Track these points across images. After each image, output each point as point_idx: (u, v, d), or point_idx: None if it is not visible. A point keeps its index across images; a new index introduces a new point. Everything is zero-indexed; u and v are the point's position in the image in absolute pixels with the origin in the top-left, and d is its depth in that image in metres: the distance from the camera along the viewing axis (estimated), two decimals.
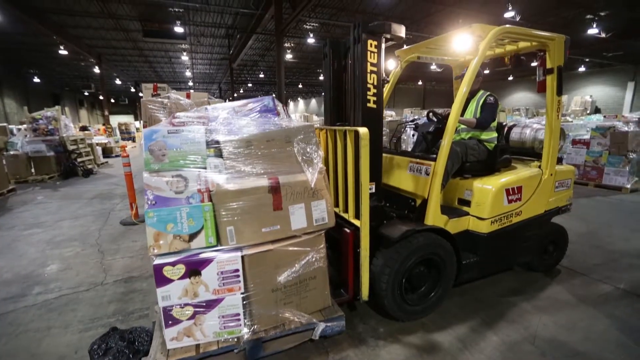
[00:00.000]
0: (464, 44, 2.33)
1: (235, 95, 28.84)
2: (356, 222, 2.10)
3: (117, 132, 20.84)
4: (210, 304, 1.76)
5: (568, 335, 2.15)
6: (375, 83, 2.09)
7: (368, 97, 2.08)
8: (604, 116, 11.36)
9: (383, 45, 2.11)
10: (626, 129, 6.58)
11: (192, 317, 1.74)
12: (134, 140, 20.45)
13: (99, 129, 16.84)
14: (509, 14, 11.05)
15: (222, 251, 1.76)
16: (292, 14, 10.67)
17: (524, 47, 2.76)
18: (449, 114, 2.33)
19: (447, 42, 2.67)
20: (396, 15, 13.11)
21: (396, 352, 2.00)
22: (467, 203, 2.54)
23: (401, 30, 2.09)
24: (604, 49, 16.59)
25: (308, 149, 1.96)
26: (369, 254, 2.08)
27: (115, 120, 25.03)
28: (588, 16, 12.29)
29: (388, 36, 2.09)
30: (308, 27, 14.27)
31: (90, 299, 2.64)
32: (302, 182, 1.90)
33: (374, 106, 2.12)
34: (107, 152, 12.77)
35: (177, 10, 12.05)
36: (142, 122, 4.14)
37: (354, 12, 12.67)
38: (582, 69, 20.60)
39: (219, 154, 1.84)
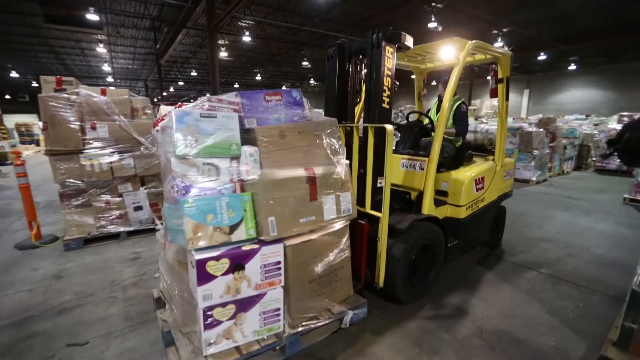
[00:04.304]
0: (449, 52, 2.68)
1: (164, 94, 26.57)
2: (376, 214, 2.24)
3: (15, 134, 17.61)
4: (252, 301, 1.69)
5: (509, 324, 2.29)
6: (389, 86, 2.27)
7: (383, 98, 2.25)
8: (513, 118, 13.05)
9: (395, 52, 2.29)
10: (531, 129, 7.58)
11: (233, 316, 1.65)
12: (37, 144, 17.46)
13: None
14: (432, 25, 12.08)
15: (264, 243, 1.69)
16: (225, 9, 10.11)
17: (480, 59, 3.11)
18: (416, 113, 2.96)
19: (428, 51, 2.94)
20: (332, 19, 13.35)
21: None
22: (444, 193, 2.82)
23: (410, 41, 2.34)
24: None
25: (334, 143, 2.05)
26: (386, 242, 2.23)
27: (12, 120, 21.09)
28: (494, 31, 14.04)
29: (399, 44, 2.29)
30: (243, 24, 13.73)
31: None
32: (334, 174, 1.97)
33: (387, 107, 2.29)
34: (2, 158, 10.62)
35: None
36: (42, 122, 3.44)
37: (291, 12, 12.55)
38: (488, 77, 23.57)
39: (252, 142, 1.79)
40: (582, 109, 19.03)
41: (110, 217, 3.83)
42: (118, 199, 3.85)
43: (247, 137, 1.81)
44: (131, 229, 3.94)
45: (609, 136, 9.66)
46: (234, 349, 1.66)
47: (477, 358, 1.96)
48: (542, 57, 17.03)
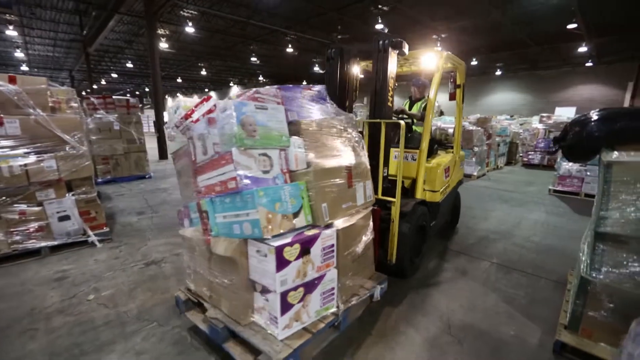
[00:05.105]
0: (431, 60, 3.00)
1: (94, 86, 23.79)
2: (389, 199, 2.55)
3: None
4: (315, 282, 1.79)
5: (472, 316, 2.36)
6: (392, 86, 2.56)
7: (388, 97, 2.55)
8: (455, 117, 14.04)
9: (396, 58, 2.60)
10: (471, 128, 8.19)
11: (302, 299, 1.74)
12: None
13: None
14: (379, 26, 12.50)
15: (321, 227, 1.80)
16: None
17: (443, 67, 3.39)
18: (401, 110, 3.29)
19: (407, 58, 3.11)
20: (280, 14, 13.06)
21: None
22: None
23: (407, 48, 2.63)
24: None
25: (356, 136, 2.23)
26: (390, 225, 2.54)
27: None
28: (434, 36, 14.98)
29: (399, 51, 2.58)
30: (186, 14, 12.78)
31: None
32: (362, 164, 2.18)
33: (391, 105, 2.61)
34: None
35: None
36: None
37: (238, 4, 12.00)
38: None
39: (295, 133, 1.88)
40: (507, 110, 21.31)
41: (27, 231, 3.21)
42: (37, 209, 3.24)
43: (291, 129, 1.88)
44: (55, 243, 3.35)
45: (533, 134, 10.90)
46: (303, 330, 1.77)
47: (448, 355, 1.97)
48: (474, 62, 18.63)
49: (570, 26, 12.35)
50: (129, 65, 21.53)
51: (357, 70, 2.99)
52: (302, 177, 1.80)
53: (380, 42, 2.50)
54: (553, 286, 2.80)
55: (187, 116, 1.91)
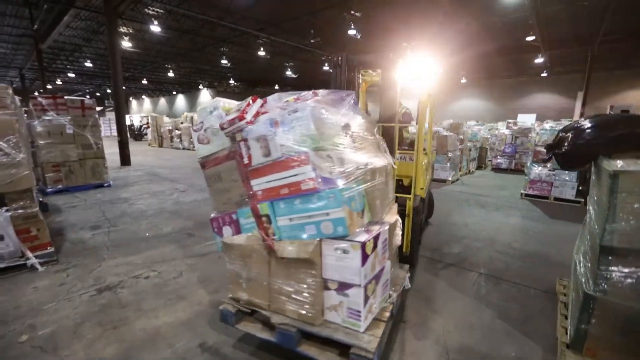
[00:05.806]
0: (427, 70, 3.09)
1: (48, 86, 22.00)
2: (406, 196, 2.86)
3: None
4: (380, 274, 1.86)
5: (469, 336, 2.19)
6: (399, 93, 2.87)
7: (397, 103, 2.86)
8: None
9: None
10: (446, 133, 8.28)
11: (374, 290, 1.79)
12: None
13: None
14: (352, 32, 12.57)
15: (379, 223, 1.91)
16: None
17: None
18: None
19: None
20: (252, 16, 12.74)
21: None
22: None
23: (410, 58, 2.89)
24: None
25: (380, 139, 2.43)
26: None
27: None
28: (404, 44, 15.30)
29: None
30: (151, 12, 12.10)
31: None
32: (389, 163, 2.32)
33: (398, 110, 2.93)
34: None
35: None
36: None
37: (208, 4, 11.53)
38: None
39: (347, 136, 1.95)
40: (472, 116, 22.27)
41: None
42: None
43: (345, 131, 1.96)
44: None
45: (501, 139, 11.32)
46: (375, 320, 1.81)
47: None
48: (440, 70, 19.33)
49: (529, 38, 13.12)
50: (88, 64, 20.11)
51: (360, 78, 3.20)
52: (358, 177, 1.82)
53: (391, 54, 2.74)
54: (544, 296, 2.71)
55: (241, 117, 1.80)
